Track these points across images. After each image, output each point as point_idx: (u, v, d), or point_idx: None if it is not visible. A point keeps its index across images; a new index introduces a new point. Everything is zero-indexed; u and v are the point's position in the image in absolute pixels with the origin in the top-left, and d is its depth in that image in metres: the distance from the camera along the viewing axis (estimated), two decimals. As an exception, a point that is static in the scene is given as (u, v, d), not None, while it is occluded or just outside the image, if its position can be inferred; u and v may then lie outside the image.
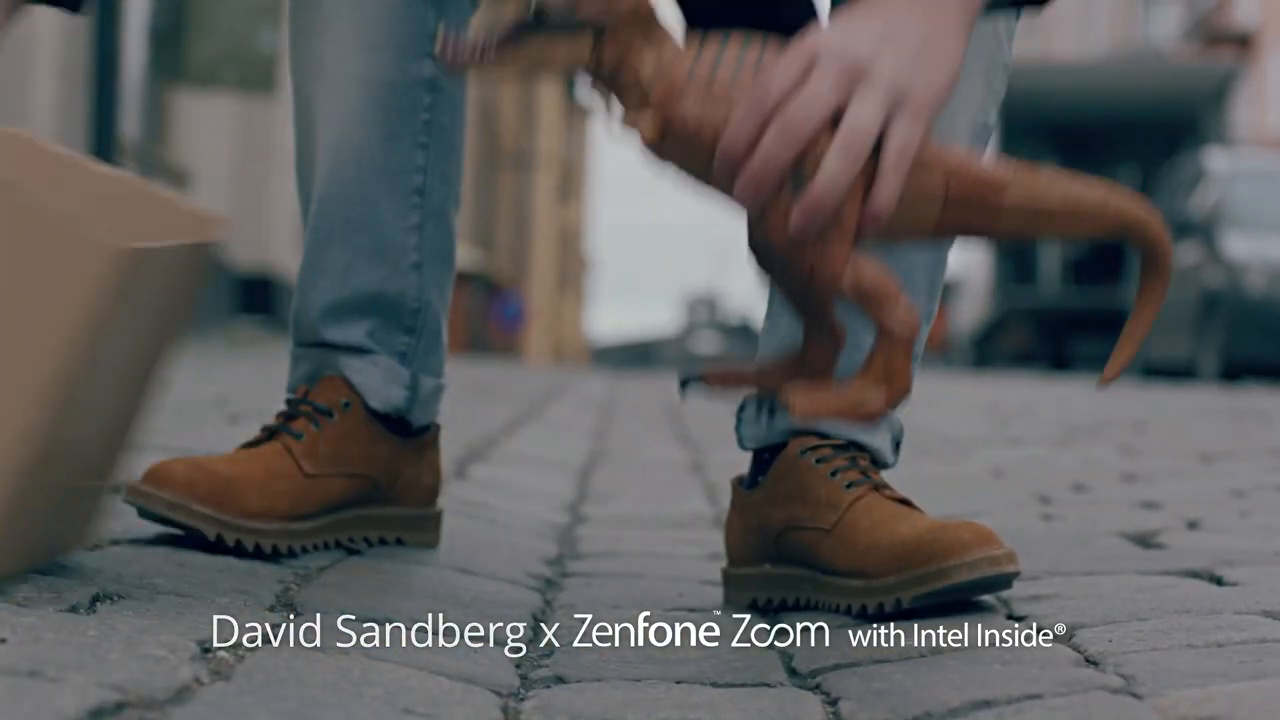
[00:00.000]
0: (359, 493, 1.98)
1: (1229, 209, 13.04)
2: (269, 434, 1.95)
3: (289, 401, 1.99)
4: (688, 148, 1.45)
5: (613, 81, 1.47)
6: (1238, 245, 12.49)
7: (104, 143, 10.71)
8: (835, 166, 1.39)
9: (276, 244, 16.42)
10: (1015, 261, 19.79)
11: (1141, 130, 20.00)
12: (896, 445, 1.90)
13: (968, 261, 24.42)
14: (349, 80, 1.94)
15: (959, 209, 1.43)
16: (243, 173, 15.08)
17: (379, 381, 1.98)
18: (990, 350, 21.71)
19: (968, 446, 4.39)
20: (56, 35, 10.18)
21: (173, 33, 12.56)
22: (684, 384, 1.54)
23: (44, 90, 10.00)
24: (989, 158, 1.46)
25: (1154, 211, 1.46)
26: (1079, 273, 19.57)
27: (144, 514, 1.84)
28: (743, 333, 69.40)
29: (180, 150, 13.98)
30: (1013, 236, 1.46)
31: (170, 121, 13.82)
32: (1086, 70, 22.07)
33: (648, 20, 1.46)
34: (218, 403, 4.47)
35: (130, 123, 11.63)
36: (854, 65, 1.42)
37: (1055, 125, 19.96)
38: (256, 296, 15.89)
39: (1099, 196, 1.44)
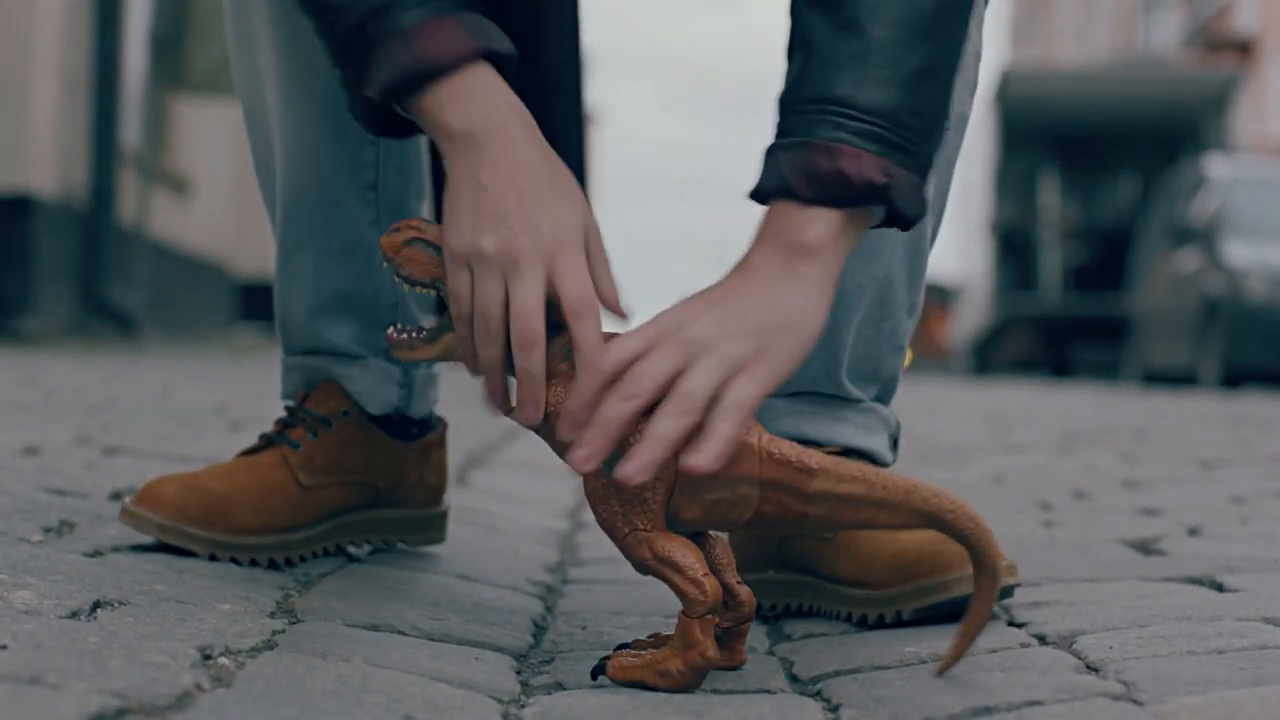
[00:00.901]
0: (358, 499, 1.98)
1: (1229, 216, 13.04)
2: (267, 441, 1.94)
3: (288, 409, 1.99)
4: (553, 429, 1.48)
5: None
6: (1238, 252, 12.49)
7: (104, 150, 10.74)
8: (664, 424, 1.41)
9: (277, 251, 16.38)
10: (1016, 268, 19.78)
11: (1142, 137, 19.98)
12: (894, 443, 1.90)
13: (969, 268, 24.40)
14: (289, 84, 1.92)
15: (773, 493, 1.45)
16: (243, 180, 15.05)
17: (373, 385, 1.98)
18: (991, 357, 21.70)
19: (969, 453, 4.39)
20: (57, 41, 10.19)
21: (173, 40, 12.57)
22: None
23: (45, 97, 10.00)
24: (797, 451, 1.45)
25: (960, 504, 1.43)
26: (1080, 279, 19.55)
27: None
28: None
29: (180, 157, 13.98)
30: (828, 525, 1.46)
31: (171, 129, 13.82)
32: (1087, 76, 22.04)
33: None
34: (218, 409, 4.47)
35: (131, 130, 11.64)
36: (692, 342, 1.44)
37: (1056, 132, 19.95)
38: (257, 303, 15.89)
39: (904, 487, 1.43)
